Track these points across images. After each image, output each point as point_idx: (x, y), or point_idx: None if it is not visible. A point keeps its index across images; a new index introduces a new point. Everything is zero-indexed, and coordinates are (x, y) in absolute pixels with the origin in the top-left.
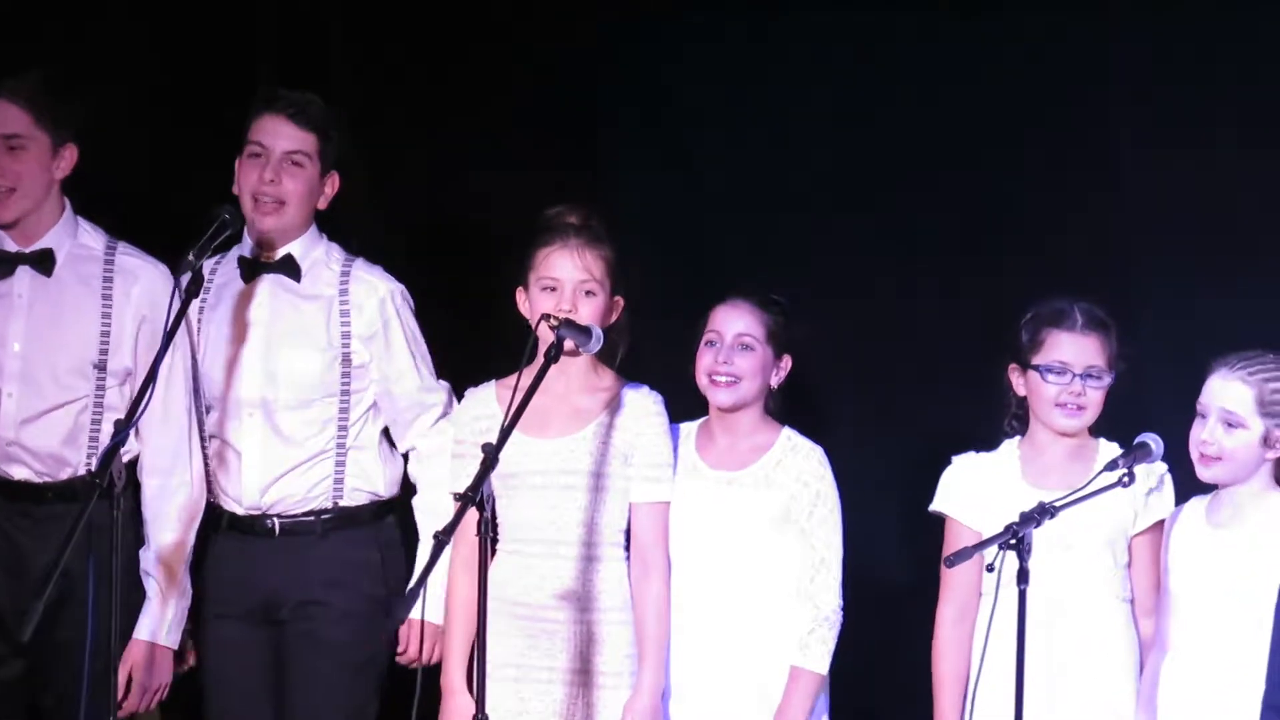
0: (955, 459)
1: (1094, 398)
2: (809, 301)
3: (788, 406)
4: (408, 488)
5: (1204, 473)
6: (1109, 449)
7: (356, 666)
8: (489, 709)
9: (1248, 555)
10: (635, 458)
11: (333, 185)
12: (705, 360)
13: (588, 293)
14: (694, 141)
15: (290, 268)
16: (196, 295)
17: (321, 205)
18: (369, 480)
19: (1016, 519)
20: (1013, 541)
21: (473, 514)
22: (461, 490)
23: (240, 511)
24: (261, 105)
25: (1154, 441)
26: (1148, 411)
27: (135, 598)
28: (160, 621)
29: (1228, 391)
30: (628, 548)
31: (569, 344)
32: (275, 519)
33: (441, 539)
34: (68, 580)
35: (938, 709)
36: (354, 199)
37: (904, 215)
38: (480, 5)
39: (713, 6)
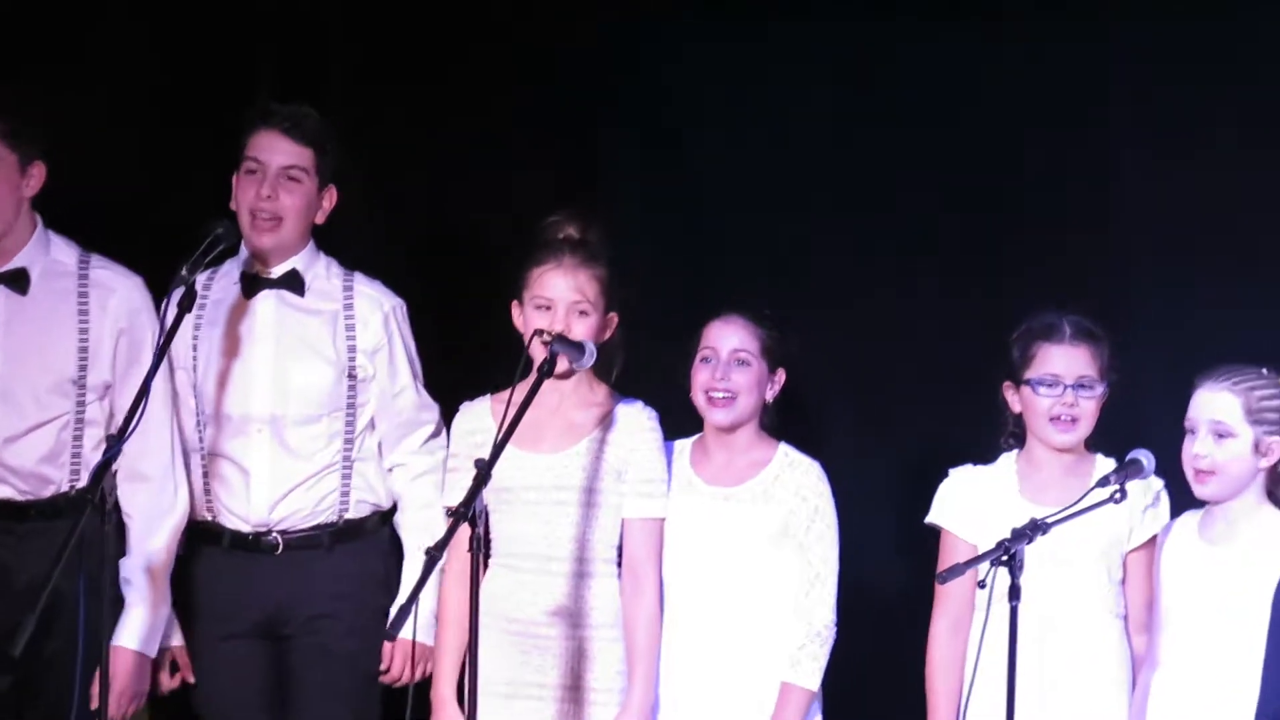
0: (952, 471)
1: (1087, 408)
2: (804, 313)
3: (782, 420)
4: None
5: (1200, 490)
6: (1105, 464)
7: (367, 677)
8: None
9: (1241, 571)
10: (628, 473)
11: (330, 199)
12: (701, 377)
13: (581, 313)
14: (692, 149)
15: (294, 282)
16: (190, 310)
17: (319, 219)
18: (372, 492)
19: (1009, 535)
20: (1005, 558)
21: (465, 529)
22: (454, 505)
23: (246, 529)
24: (257, 120)
25: (1145, 458)
26: (1145, 427)
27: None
28: (139, 629)
29: (1215, 402)
30: (620, 563)
31: (562, 360)
32: (279, 535)
33: (434, 555)
34: (56, 594)
35: None
36: (351, 210)
37: (901, 226)
38: (479, 9)
39: (711, 11)
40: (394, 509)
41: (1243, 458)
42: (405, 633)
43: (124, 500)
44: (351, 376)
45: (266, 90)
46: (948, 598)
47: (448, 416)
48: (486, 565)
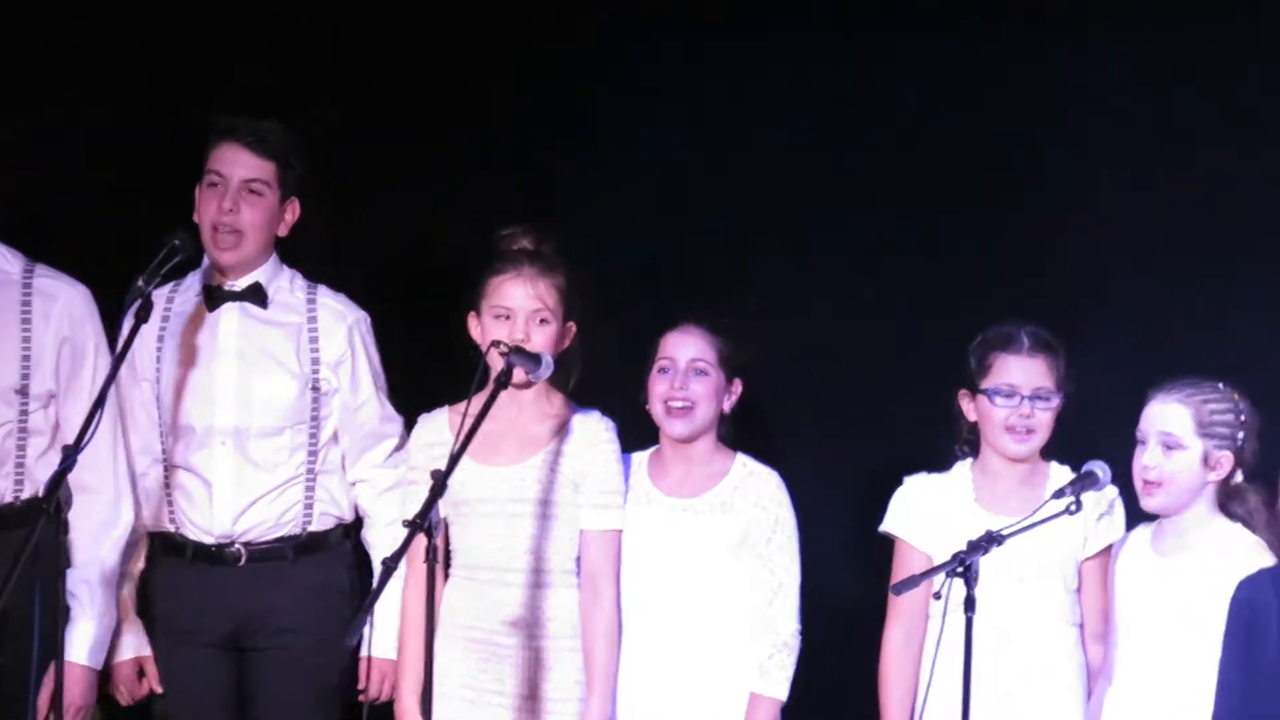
0: (906, 480)
1: (1043, 419)
2: (760, 323)
3: (739, 431)
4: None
5: (1147, 502)
6: (1060, 473)
7: (330, 689)
8: None
9: (1195, 582)
10: (585, 485)
11: (293, 212)
12: (660, 388)
13: (541, 321)
14: (649, 160)
15: (257, 295)
16: (146, 320)
17: (282, 232)
18: (336, 504)
19: (964, 547)
20: (960, 570)
21: (421, 540)
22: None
23: (209, 541)
24: (220, 134)
25: (1101, 469)
26: (1101, 436)
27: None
28: (84, 641)
29: (1166, 414)
30: (579, 574)
31: (519, 371)
32: (243, 547)
33: (390, 565)
34: (8, 606)
35: None
36: (313, 224)
37: (857, 238)
38: (439, 24)
39: (670, 24)
40: (358, 522)
41: (1191, 470)
42: (382, 651)
43: (71, 514)
44: (315, 389)
45: (229, 102)
46: (901, 608)
47: (408, 429)
48: (447, 576)
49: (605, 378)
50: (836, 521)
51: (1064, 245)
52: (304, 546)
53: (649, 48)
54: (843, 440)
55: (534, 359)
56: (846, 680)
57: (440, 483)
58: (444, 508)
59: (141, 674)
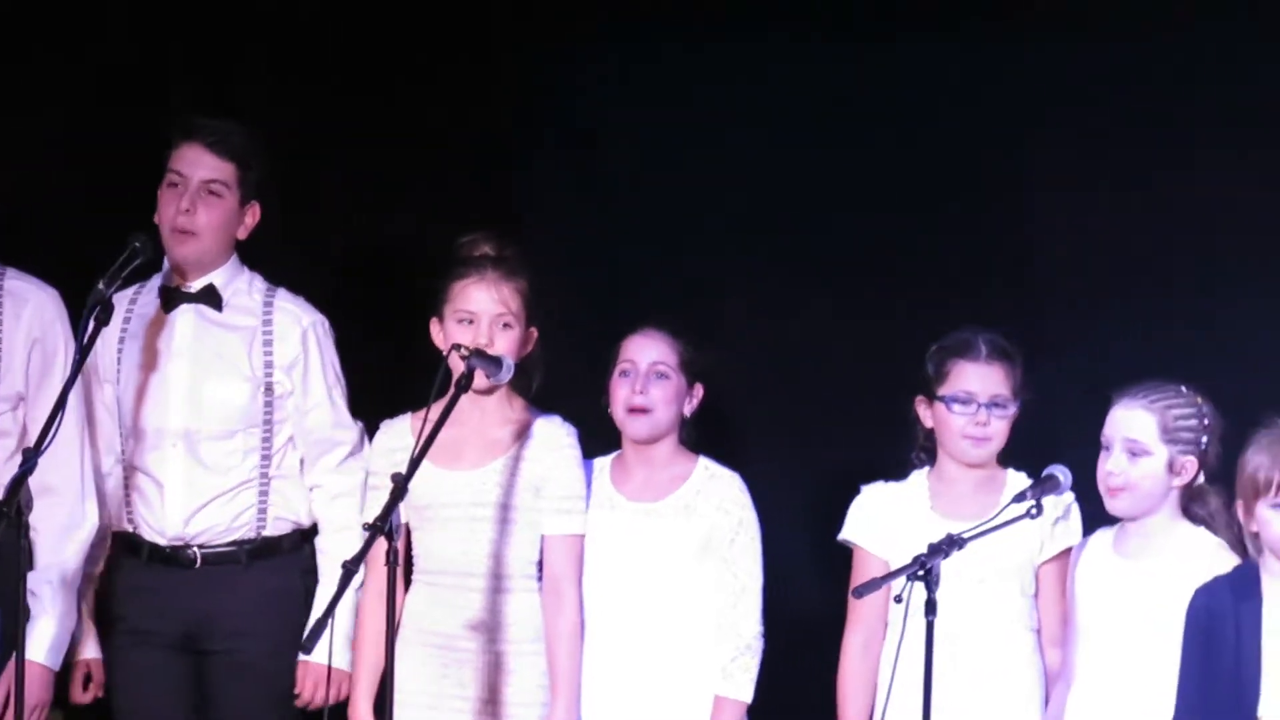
0: (864, 488)
1: (998, 427)
2: (721, 330)
3: (701, 435)
4: None
5: (1113, 505)
6: (1017, 479)
7: (284, 694)
8: None
9: (1159, 585)
10: (547, 489)
11: (253, 215)
12: (621, 391)
13: (504, 325)
14: (611, 166)
15: (211, 298)
16: (107, 323)
17: (241, 235)
18: (291, 509)
19: (925, 550)
20: (921, 573)
21: (381, 544)
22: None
23: (163, 542)
24: (181, 134)
25: (1062, 473)
26: (1057, 442)
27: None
28: (43, 641)
29: (1131, 420)
30: (541, 579)
31: (480, 374)
32: (198, 549)
33: (350, 568)
34: None
35: None
36: (274, 227)
37: (817, 246)
38: (401, 29)
39: (629, 32)
40: (316, 527)
41: (1156, 475)
42: (319, 656)
43: (34, 516)
44: (269, 392)
45: (190, 103)
46: (860, 613)
47: (370, 434)
48: (409, 581)
49: (567, 383)
50: (797, 526)
51: (1024, 253)
52: (258, 551)
53: (612, 51)
54: (803, 445)
55: (495, 362)
56: (807, 685)
57: (401, 486)
58: (405, 512)
59: (89, 678)
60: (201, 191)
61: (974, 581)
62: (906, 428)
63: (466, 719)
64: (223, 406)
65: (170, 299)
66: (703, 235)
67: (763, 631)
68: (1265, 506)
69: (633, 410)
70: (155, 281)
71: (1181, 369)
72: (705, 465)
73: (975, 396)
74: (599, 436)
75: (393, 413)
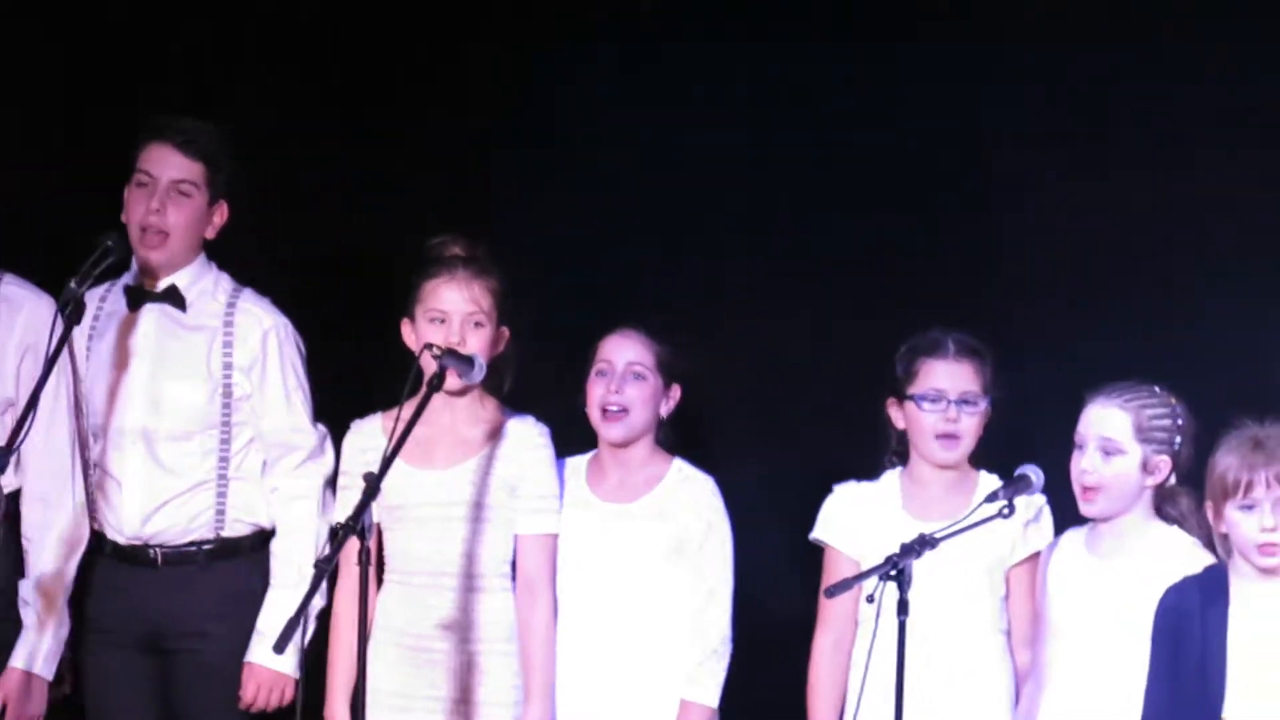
0: (836, 488)
1: (969, 425)
2: (698, 330)
3: (676, 436)
4: None
5: (1086, 507)
6: (989, 480)
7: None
8: None
9: (1132, 585)
10: (520, 489)
11: (221, 215)
12: (597, 392)
13: (476, 324)
14: (586, 168)
15: (175, 298)
16: (78, 323)
17: (210, 235)
18: (250, 511)
19: (897, 550)
20: (893, 573)
21: (354, 543)
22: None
23: (122, 541)
24: (150, 133)
25: (1034, 473)
26: (1029, 444)
27: (9, 630)
28: (37, 650)
29: (1105, 420)
30: (514, 579)
31: (452, 375)
32: (157, 549)
33: (322, 567)
34: None
35: None
36: (243, 227)
37: (792, 248)
38: (373, 30)
39: (605, 35)
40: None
41: (1130, 475)
42: (265, 660)
43: (25, 522)
44: (227, 394)
45: (158, 103)
46: (831, 614)
47: (339, 434)
48: (381, 581)
49: (541, 382)
50: (770, 527)
51: (995, 255)
52: (217, 552)
53: (588, 51)
54: (777, 446)
55: (466, 362)
56: (778, 687)
57: (373, 485)
58: (378, 512)
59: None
60: (171, 191)
61: (943, 582)
62: (880, 429)
63: (438, 718)
64: (180, 407)
65: (136, 298)
66: (679, 237)
67: (731, 636)
68: (1234, 508)
69: (609, 411)
70: (124, 280)
71: (1152, 370)
72: (679, 468)
73: (945, 394)
74: (573, 436)
75: (364, 414)
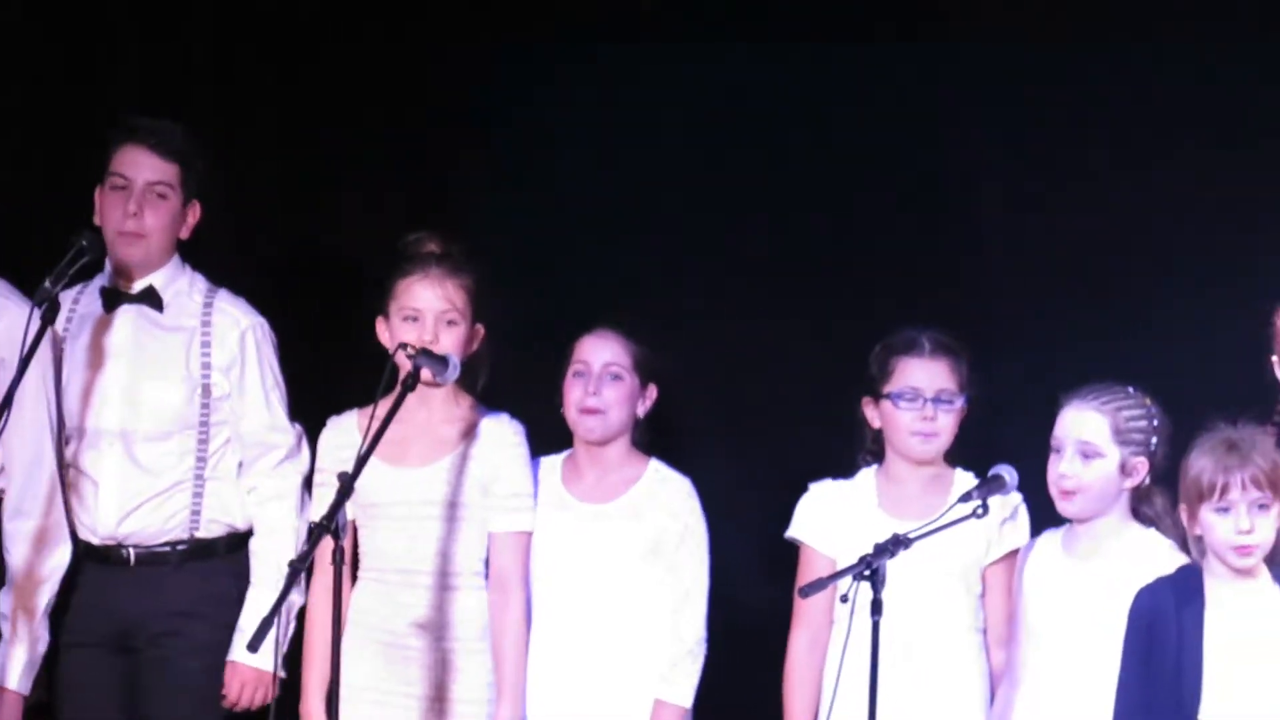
0: (812, 486)
1: (945, 422)
2: (673, 330)
3: (652, 436)
4: None
5: (1066, 508)
6: (965, 479)
7: (214, 695)
8: None
9: (1113, 587)
10: (494, 488)
11: (194, 214)
12: (575, 393)
13: (449, 322)
14: (557, 168)
15: (152, 299)
16: (53, 323)
17: (184, 235)
18: (226, 511)
19: (871, 550)
20: (867, 572)
21: (328, 542)
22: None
23: (96, 541)
24: (123, 135)
25: (1008, 473)
26: (1003, 442)
27: None
28: (16, 667)
29: (1083, 423)
30: (488, 577)
31: (427, 373)
32: (131, 549)
33: (296, 567)
34: None
35: None
36: (214, 227)
37: (767, 248)
38: (341, 28)
39: (576, 36)
40: (252, 530)
41: (1109, 477)
42: (246, 658)
43: (5, 536)
44: (206, 394)
45: (129, 103)
46: (806, 612)
47: (314, 433)
48: (355, 579)
49: (516, 381)
50: (746, 527)
51: (971, 255)
52: (191, 552)
53: (554, 51)
54: (755, 447)
55: (441, 361)
56: (753, 686)
57: (347, 484)
58: (352, 510)
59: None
60: (148, 194)
61: (918, 581)
62: (855, 428)
63: (414, 716)
64: (159, 408)
65: (111, 300)
66: (654, 236)
67: (705, 637)
68: (1209, 511)
69: (586, 411)
70: (97, 282)
71: (1125, 370)
72: (656, 468)
73: (921, 391)
74: (547, 435)
75: (335, 411)
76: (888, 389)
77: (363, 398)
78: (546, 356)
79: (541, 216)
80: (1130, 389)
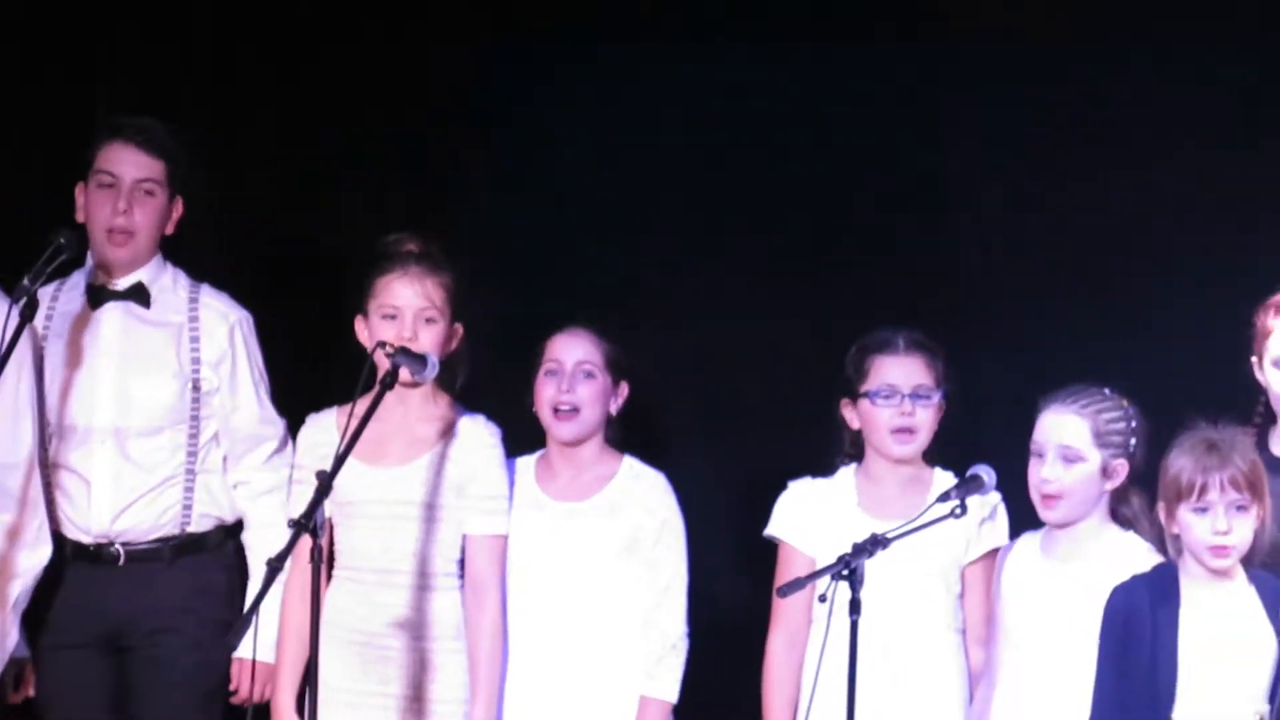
0: (791, 484)
1: (924, 418)
2: (646, 327)
3: (626, 434)
4: None
5: (1048, 514)
6: (944, 478)
7: (207, 691)
8: None
9: (1091, 588)
10: (470, 489)
11: (179, 210)
12: (548, 392)
13: (428, 320)
14: (557, 168)
15: (140, 295)
16: (32, 319)
17: (169, 230)
18: (216, 505)
19: (849, 549)
20: (845, 572)
21: (306, 540)
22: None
23: (87, 540)
24: (109, 133)
25: (986, 473)
26: (983, 442)
27: None
28: None
29: (1063, 427)
30: (463, 577)
31: (405, 372)
32: (121, 547)
33: (275, 566)
34: None
35: None
36: (198, 222)
37: (743, 245)
38: (336, 27)
39: (559, 36)
40: (239, 523)
41: (1090, 480)
42: (262, 654)
43: None
44: (195, 389)
45: (129, 103)
46: (785, 612)
47: (294, 430)
48: (330, 577)
49: (489, 380)
50: (723, 524)
51: (949, 256)
52: (182, 547)
53: (554, 51)
54: (729, 443)
55: (419, 360)
56: (732, 684)
57: (326, 482)
58: (329, 508)
59: (19, 679)
60: (136, 191)
61: (897, 580)
62: (833, 426)
63: (390, 716)
64: (151, 403)
65: (97, 296)
66: (628, 233)
67: (688, 631)
68: (1187, 510)
69: (560, 410)
70: (76, 279)
71: (1125, 371)
72: (630, 465)
73: (898, 388)
74: (521, 435)
75: (314, 408)
76: (865, 388)
77: (343, 397)
78: (516, 357)
79: (541, 216)
80: (1107, 390)
